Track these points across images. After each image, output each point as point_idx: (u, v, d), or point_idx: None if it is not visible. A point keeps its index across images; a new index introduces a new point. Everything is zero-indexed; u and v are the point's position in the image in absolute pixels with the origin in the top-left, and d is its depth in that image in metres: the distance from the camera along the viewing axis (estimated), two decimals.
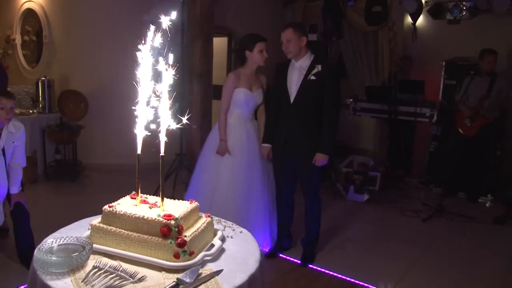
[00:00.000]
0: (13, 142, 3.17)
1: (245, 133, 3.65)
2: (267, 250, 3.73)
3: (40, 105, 6.04)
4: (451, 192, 5.51)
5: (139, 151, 1.87)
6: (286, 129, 3.51)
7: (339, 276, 3.51)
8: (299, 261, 3.71)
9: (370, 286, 3.38)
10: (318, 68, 3.37)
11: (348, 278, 3.48)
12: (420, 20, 6.48)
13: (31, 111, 5.92)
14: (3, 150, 3.13)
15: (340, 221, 4.70)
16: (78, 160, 6.01)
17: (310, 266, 3.67)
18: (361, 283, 3.42)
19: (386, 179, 5.71)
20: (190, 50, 4.92)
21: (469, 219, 4.82)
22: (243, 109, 3.64)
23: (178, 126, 1.82)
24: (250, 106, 3.65)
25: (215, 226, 2.02)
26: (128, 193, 2.00)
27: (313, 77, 3.38)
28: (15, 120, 3.19)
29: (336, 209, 5.06)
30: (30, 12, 7.00)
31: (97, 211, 1.99)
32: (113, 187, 5.27)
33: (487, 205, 5.34)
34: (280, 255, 3.80)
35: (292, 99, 3.46)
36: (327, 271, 3.58)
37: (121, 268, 1.65)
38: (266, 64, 3.60)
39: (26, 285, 1.77)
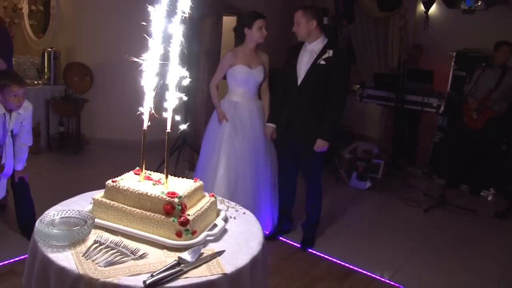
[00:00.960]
0: (21, 123, 3.17)
1: (248, 113, 3.61)
2: (267, 233, 3.73)
3: (45, 76, 6.01)
4: (453, 184, 5.49)
5: (145, 127, 1.84)
6: (290, 111, 3.49)
7: (338, 261, 3.52)
8: (298, 245, 3.71)
9: (368, 273, 3.39)
10: (329, 53, 3.31)
11: (346, 264, 3.48)
12: (433, 9, 6.39)
13: (36, 82, 5.89)
14: (11, 132, 3.13)
15: (341, 207, 4.69)
16: (82, 134, 5.99)
17: (310, 250, 3.67)
18: (359, 270, 3.42)
19: (389, 168, 5.69)
20: (199, 28, 4.85)
21: (471, 212, 4.80)
22: (244, 86, 3.60)
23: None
24: (251, 83, 3.59)
25: (219, 206, 2.00)
26: (131, 169, 1.98)
27: (322, 62, 3.33)
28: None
29: (337, 195, 5.05)
30: None
31: (98, 186, 1.98)
32: (115, 162, 5.25)
33: (489, 198, 5.31)
34: (280, 238, 3.80)
35: (299, 82, 3.43)
36: (326, 256, 3.59)
37: (122, 244, 1.64)
38: (271, 43, 3.55)
39: (26, 256, 1.76)
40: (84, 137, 6.05)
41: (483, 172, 5.43)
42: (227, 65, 3.57)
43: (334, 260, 3.54)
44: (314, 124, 3.41)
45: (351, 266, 3.46)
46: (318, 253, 3.63)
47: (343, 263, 3.50)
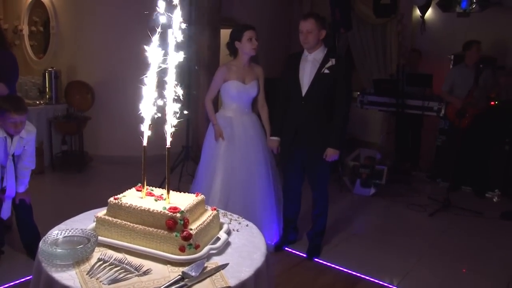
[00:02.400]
0: (24, 147, 3.20)
1: (242, 127, 3.61)
2: (273, 243, 3.72)
3: (47, 96, 6.05)
4: (455, 186, 5.49)
5: (145, 143, 1.86)
6: (297, 122, 3.49)
7: (345, 270, 3.50)
8: (305, 255, 3.70)
9: (376, 280, 3.37)
10: (332, 62, 3.33)
11: (354, 272, 3.47)
12: (429, 13, 6.42)
13: (38, 102, 5.93)
14: (13, 155, 3.15)
15: (347, 215, 4.68)
16: (85, 151, 6.02)
17: (316, 259, 3.66)
18: (367, 277, 3.41)
19: (393, 173, 5.68)
20: (197, 41, 4.90)
21: (476, 214, 4.79)
22: (238, 102, 3.61)
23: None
24: (244, 98, 3.61)
25: (221, 219, 2.01)
26: (134, 185, 1.99)
27: (326, 71, 3.34)
28: (27, 124, 3.17)
29: (342, 202, 5.04)
30: (37, 2, 6.99)
31: (102, 203, 1.99)
32: (119, 178, 5.26)
33: (494, 200, 5.30)
34: (286, 248, 3.79)
35: (304, 92, 3.42)
36: (333, 265, 3.57)
37: (126, 261, 1.65)
38: (266, 52, 3.56)
39: (31, 276, 1.76)
40: (87, 154, 6.08)
41: (486, 173, 5.42)
42: (221, 80, 3.59)
43: (341, 268, 3.53)
44: (322, 133, 3.41)
45: (359, 274, 3.45)
46: (324, 262, 3.62)
47: (350, 271, 3.49)
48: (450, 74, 5.39)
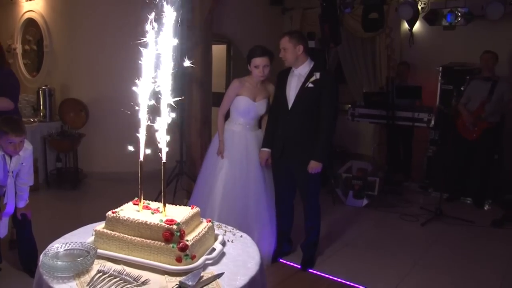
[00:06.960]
0: (22, 163, 3.23)
1: (245, 142, 3.68)
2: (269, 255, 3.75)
3: (41, 114, 6.09)
4: (455, 197, 5.57)
5: (141, 158, 1.92)
6: (284, 135, 3.56)
7: (339, 280, 3.55)
8: (299, 266, 3.74)
9: None
10: (316, 76, 3.41)
11: (347, 282, 3.51)
12: (417, 26, 6.56)
13: (32, 120, 5.96)
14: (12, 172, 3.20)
15: (340, 226, 4.73)
16: (79, 168, 6.04)
17: (310, 270, 3.71)
18: (360, 287, 3.45)
19: (385, 184, 5.75)
20: (189, 58, 4.97)
21: (468, 222, 4.86)
22: (245, 117, 3.67)
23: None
24: (251, 115, 3.68)
25: (216, 231, 2.07)
26: (130, 200, 2.04)
27: (310, 85, 3.42)
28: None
29: (335, 214, 5.10)
30: (31, 21, 7.08)
31: (97, 218, 2.04)
32: (114, 194, 5.30)
33: (485, 208, 5.38)
34: (280, 260, 3.83)
35: (289, 106, 3.51)
36: (327, 276, 3.62)
37: (125, 272, 1.69)
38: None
39: None
40: (82, 171, 6.10)
41: (484, 183, 5.49)
42: (234, 94, 3.65)
43: (335, 278, 3.57)
44: (308, 146, 3.47)
45: (353, 284, 3.49)
46: (318, 273, 3.67)
47: (344, 281, 3.53)
48: (465, 86, 5.36)
